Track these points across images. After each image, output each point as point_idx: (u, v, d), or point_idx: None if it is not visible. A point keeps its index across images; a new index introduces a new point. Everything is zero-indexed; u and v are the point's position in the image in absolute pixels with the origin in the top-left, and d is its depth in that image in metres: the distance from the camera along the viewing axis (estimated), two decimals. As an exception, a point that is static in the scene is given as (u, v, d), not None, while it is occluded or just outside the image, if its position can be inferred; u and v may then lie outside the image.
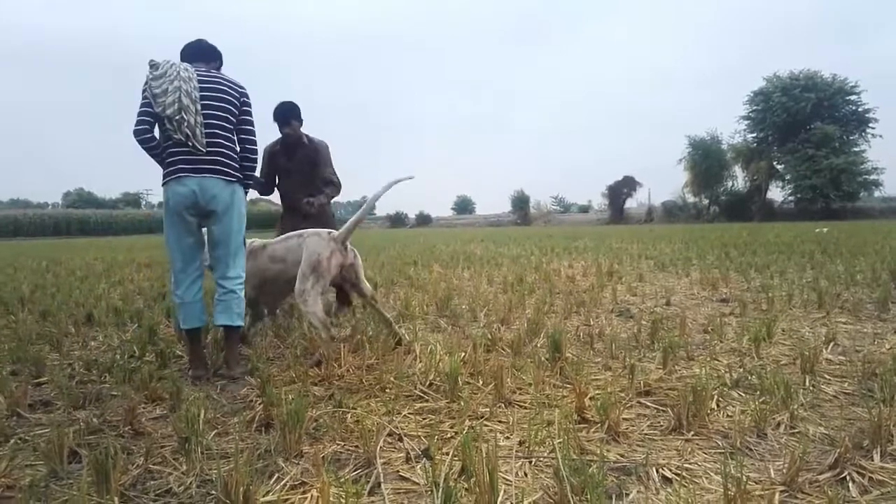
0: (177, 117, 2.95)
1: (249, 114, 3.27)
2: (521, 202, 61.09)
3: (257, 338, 3.95)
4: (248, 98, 3.25)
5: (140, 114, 3.03)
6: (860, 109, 45.44)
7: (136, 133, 3.03)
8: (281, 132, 4.64)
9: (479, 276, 7.53)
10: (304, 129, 4.73)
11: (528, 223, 56.73)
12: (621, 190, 56.40)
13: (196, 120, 3.00)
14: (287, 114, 4.57)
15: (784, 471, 1.83)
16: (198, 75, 3.09)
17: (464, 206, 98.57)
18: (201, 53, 3.29)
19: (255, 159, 3.32)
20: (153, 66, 3.03)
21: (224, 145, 3.13)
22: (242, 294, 3.27)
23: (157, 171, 3.19)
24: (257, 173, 3.58)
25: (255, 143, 3.30)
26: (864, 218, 38.74)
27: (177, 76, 2.99)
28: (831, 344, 3.44)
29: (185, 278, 3.18)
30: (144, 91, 3.02)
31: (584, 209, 79.75)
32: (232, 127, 3.19)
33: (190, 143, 3.00)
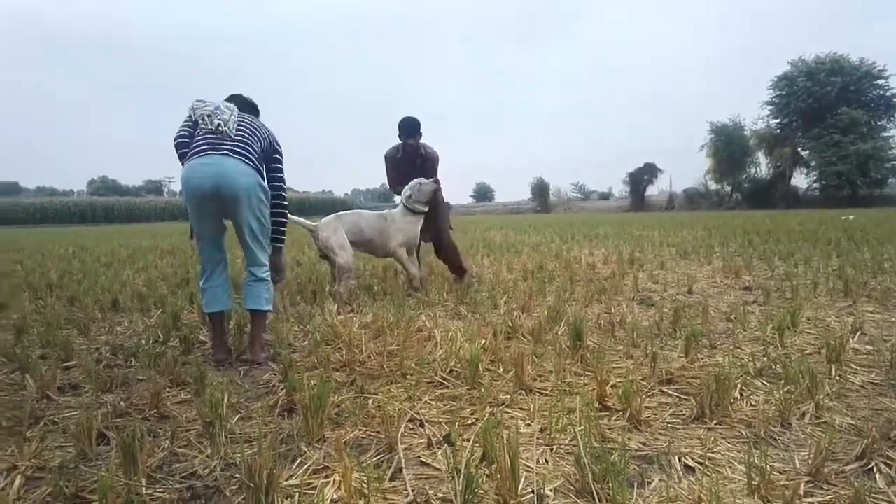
0: (209, 114, 3.15)
1: (279, 160, 3.48)
2: (540, 189, 60.75)
3: (278, 324, 3.99)
4: (279, 147, 3.46)
5: (181, 126, 3.28)
6: (888, 94, 44.38)
7: (175, 138, 3.28)
8: (404, 141, 5.43)
9: (499, 263, 7.52)
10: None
11: (548, 210, 56.48)
12: (642, 177, 55.88)
13: (231, 117, 3.19)
14: (412, 128, 5.38)
15: (809, 461, 1.81)
16: (238, 108, 3.32)
17: (483, 193, 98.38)
18: (245, 105, 3.49)
19: (287, 202, 3.53)
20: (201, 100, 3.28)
21: (252, 144, 3.22)
22: (271, 282, 3.35)
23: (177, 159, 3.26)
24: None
25: (284, 185, 3.50)
26: (892, 205, 37.91)
27: (220, 104, 3.24)
28: (858, 333, 3.38)
29: (210, 266, 3.26)
30: (189, 114, 3.25)
31: (605, 196, 79.24)
32: (259, 151, 3.28)
33: (220, 130, 3.12)
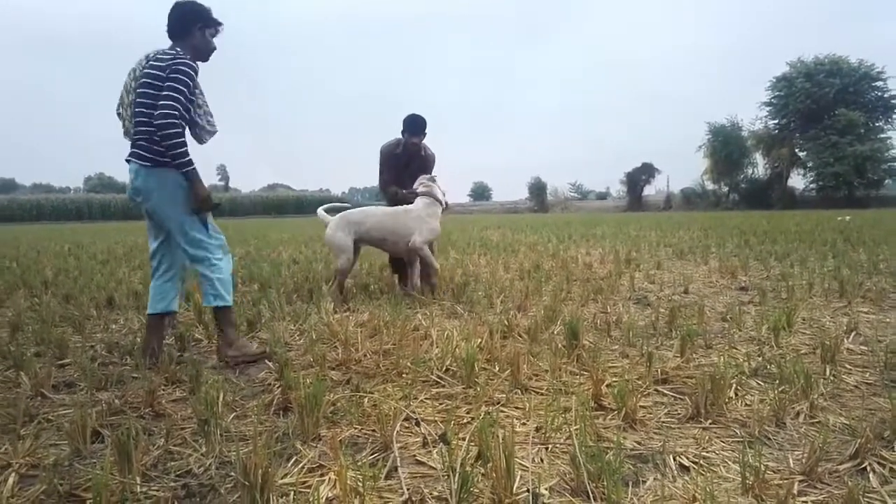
0: (118, 111, 3.04)
1: (174, 79, 2.88)
2: (538, 189, 60.69)
3: (274, 322, 3.99)
4: (176, 67, 2.90)
5: None
6: (886, 95, 44.44)
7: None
8: (407, 140, 5.18)
9: (496, 262, 7.52)
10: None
11: (545, 210, 56.47)
12: (640, 177, 55.84)
13: (128, 111, 3.01)
14: (419, 127, 5.13)
15: (803, 460, 1.81)
16: (147, 60, 3.02)
17: (481, 192, 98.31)
18: (170, 31, 3.09)
19: (171, 130, 2.85)
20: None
21: (143, 130, 2.94)
22: (217, 274, 3.10)
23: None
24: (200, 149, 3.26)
25: (168, 113, 2.84)
26: (888, 206, 38.01)
27: (128, 82, 3.04)
28: (853, 333, 3.39)
29: (153, 266, 3.23)
30: None
31: (603, 196, 79.23)
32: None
33: (125, 135, 3.03)
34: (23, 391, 2.62)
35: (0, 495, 1.67)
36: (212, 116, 3.20)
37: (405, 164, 5.33)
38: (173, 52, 2.98)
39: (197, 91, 3.09)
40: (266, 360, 3.10)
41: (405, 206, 5.03)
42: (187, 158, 2.94)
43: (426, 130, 5.23)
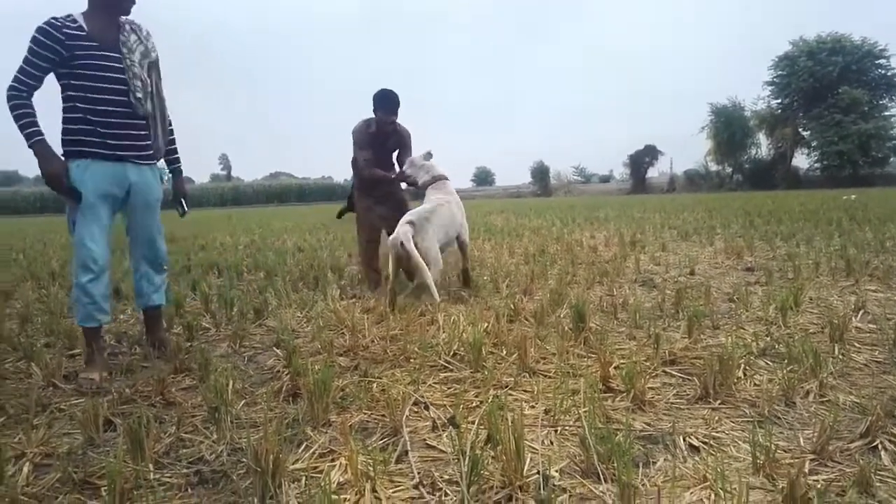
0: None
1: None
2: (541, 173, 60.51)
3: (281, 310, 4.00)
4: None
5: None
6: (889, 73, 44.11)
7: None
8: (381, 119, 4.75)
9: (501, 247, 7.52)
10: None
11: (548, 194, 56.32)
12: (643, 159, 55.64)
13: None
14: (394, 104, 4.73)
15: (814, 439, 1.81)
16: None
17: (483, 177, 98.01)
18: None
19: (8, 103, 2.65)
20: None
21: None
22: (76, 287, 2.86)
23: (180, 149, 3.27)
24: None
25: (9, 84, 2.64)
26: (894, 184, 37.79)
27: None
28: (861, 312, 3.38)
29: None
30: None
31: (606, 179, 78.99)
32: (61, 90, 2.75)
33: None
34: (34, 381, 2.64)
35: (16, 484, 1.68)
36: (140, 81, 2.84)
37: (381, 142, 4.90)
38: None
39: (94, 52, 2.70)
40: (274, 348, 3.11)
41: (446, 199, 4.47)
42: (27, 131, 2.64)
43: (399, 108, 4.81)
